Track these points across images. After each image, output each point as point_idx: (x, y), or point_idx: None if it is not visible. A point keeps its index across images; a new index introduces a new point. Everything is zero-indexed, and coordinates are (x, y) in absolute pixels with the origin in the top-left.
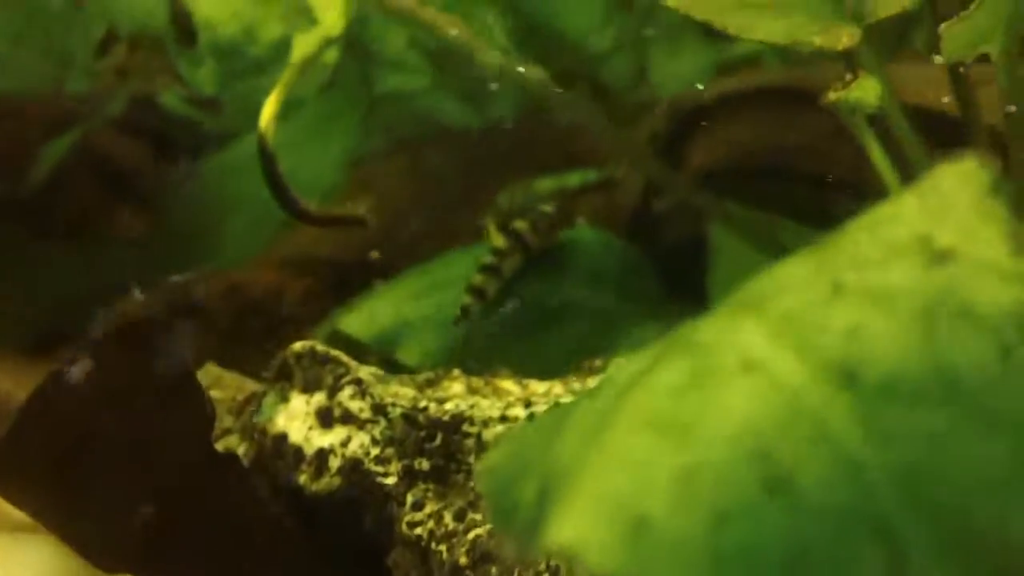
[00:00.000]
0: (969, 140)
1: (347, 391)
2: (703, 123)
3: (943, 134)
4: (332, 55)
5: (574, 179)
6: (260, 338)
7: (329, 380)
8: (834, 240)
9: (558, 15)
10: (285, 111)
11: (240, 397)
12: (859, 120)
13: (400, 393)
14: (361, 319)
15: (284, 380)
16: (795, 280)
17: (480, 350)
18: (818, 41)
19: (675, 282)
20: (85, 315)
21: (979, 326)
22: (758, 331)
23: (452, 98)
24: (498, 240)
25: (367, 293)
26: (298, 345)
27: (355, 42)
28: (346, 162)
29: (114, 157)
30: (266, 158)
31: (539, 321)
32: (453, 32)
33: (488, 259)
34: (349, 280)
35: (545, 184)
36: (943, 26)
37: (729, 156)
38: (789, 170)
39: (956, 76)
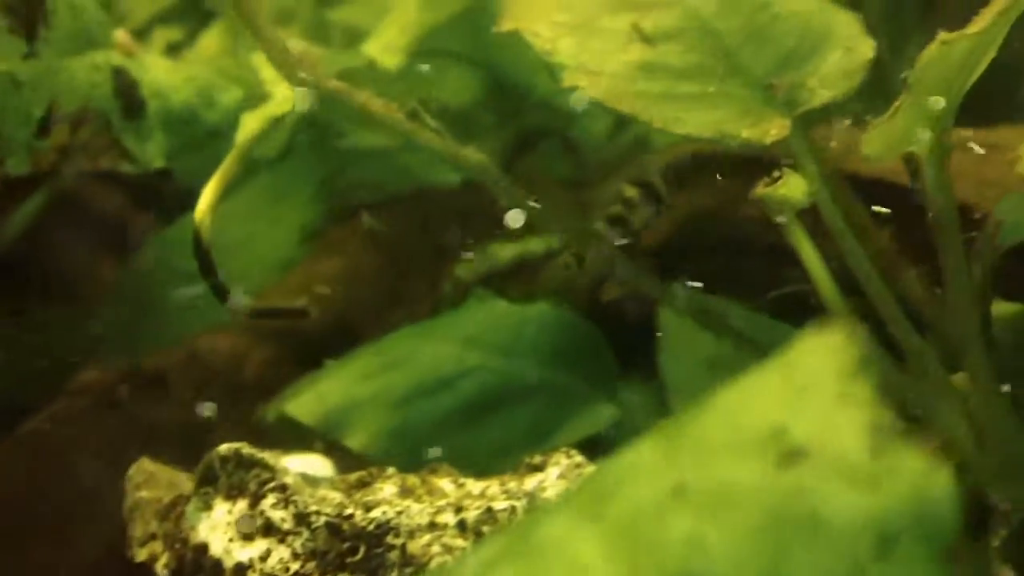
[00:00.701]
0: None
1: (270, 499)
2: (659, 191)
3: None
4: (285, 130)
5: (536, 244)
6: (221, 407)
7: (253, 486)
8: (688, 421)
9: (529, 72)
10: (242, 178)
11: (167, 499)
12: (789, 216)
13: (327, 499)
14: (308, 401)
15: (208, 485)
16: (641, 471)
17: (428, 434)
18: (745, 134)
19: (633, 358)
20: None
21: (829, 540)
22: (594, 539)
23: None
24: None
25: (317, 372)
26: (223, 448)
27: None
28: (304, 233)
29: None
30: (201, 254)
31: (491, 401)
32: (394, 117)
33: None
34: (311, 347)
35: (506, 249)
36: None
37: (683, 229)
38: (743, 243)
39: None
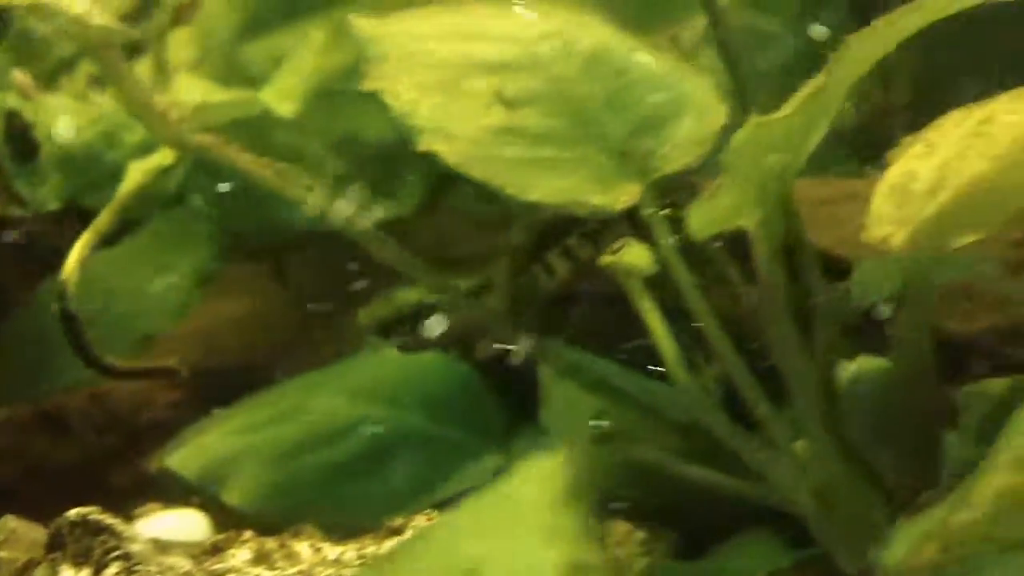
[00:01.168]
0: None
1: (113, 568)
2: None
3: None
4: (175, 176)
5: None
6: (123, 452)
7: (98, 554)
8: (404, 553)
9: None
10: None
11: (22, 560)
12: (635, 285)
13: (174, 567)
14: (189, 454)
15: (57, 551)
16: None
17: (310, 490)
18: (596, 201)
19: (524, 409)
20: None
21: None
22: None
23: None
24: None
25: (203, 423)
26: (72, 512)
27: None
28: (198, 278)
29: None
30: (66, 315)
31: (377, 454)
32: (263, 173)
33: None
34: (219, 390)
35: (410, 295)
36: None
37: (575, 278)
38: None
39: None
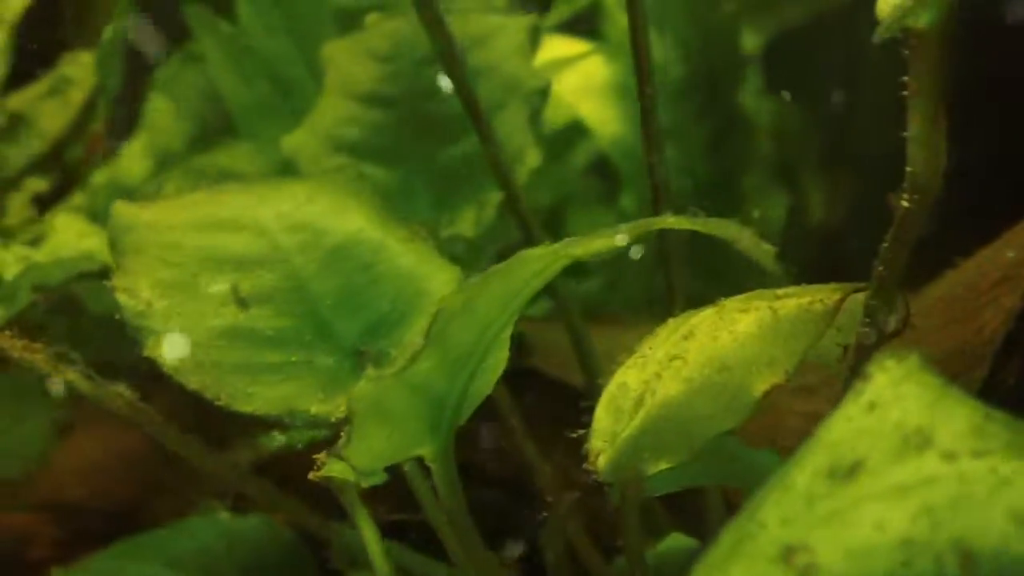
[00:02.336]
0: None
1: None
2: None
3: None
4: None
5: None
6: None
7: None
8: None
9: None
10: None
11: None
12: (349, 497)
13: None
14: None
15: None
16: None
17: None
18: (314, 410)
19: None
20: None
21: None
22: None
23: None
24: None
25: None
26: None
27: None
28: (55, 426)
29: None
30: None
31: None
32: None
33: None
34: (103, 527)
35: (274, 441)
36: None
37: None
38: None
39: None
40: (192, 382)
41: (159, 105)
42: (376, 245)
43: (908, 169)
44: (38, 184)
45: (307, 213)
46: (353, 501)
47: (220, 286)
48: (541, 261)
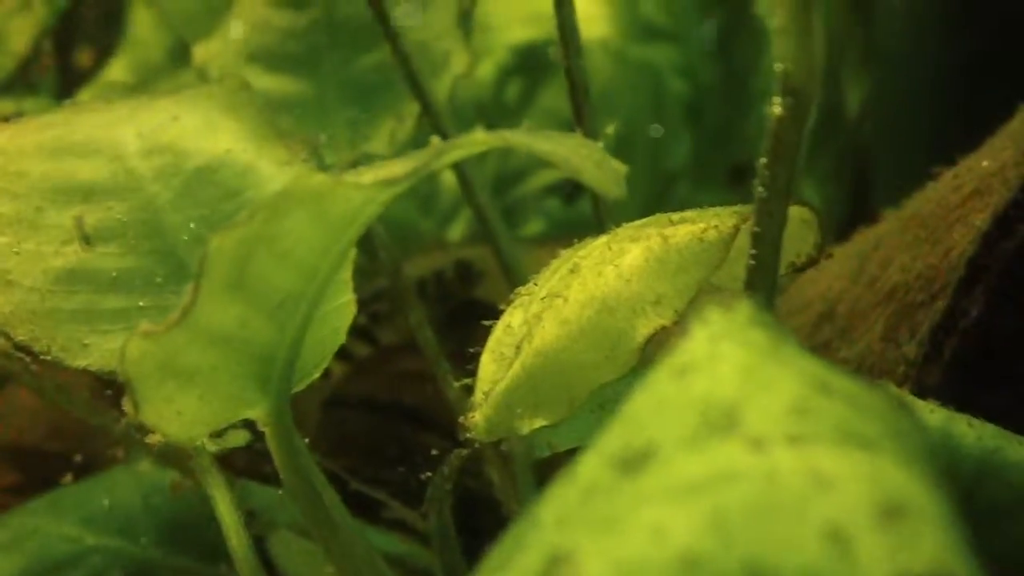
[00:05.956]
0: None
1: None
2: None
3: None
4: None
5: None
6: None
7: None
8: None
9: None
10: None
11: None
12: (202, 460)
13: None
14: None
15: None
16: None
17: None
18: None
19: None
20: None
21: None
22: None
23: None
24: None
25: None
26: None
27: None
28: None
29: None
30: None
31: None
32: None
33: None
34: (57, 471)
35: None
36: None
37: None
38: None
39: None
40: (20, 332)
41: (140, 17)
42: (245, 168)
43: (778, 67)
44: (6, 107)
45: (170, 133)
46: (205, 466)
47: (65, 220)
48: (360, 194)
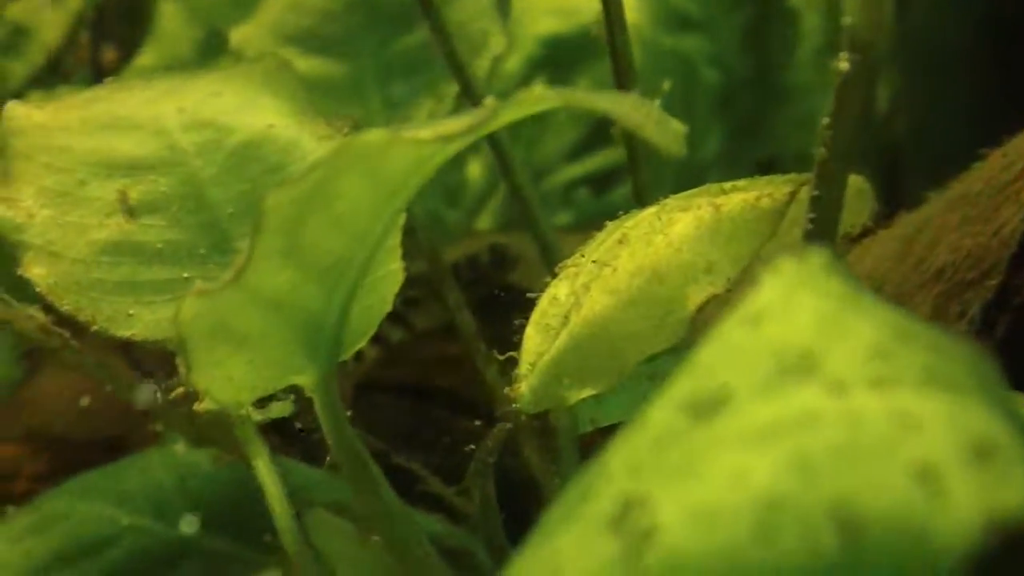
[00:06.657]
0: None
1: None
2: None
3: None
4: None
5: None
6: None
7: None
8: None
9: None
10: None
11: None
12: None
13: None
14: None
15: None
16: None
17: None
18: None
19: None
20: None
21: None
22: None
23: None
24: None
25: None
26: None
27: None
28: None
29: None
30: None
31: (139, 569)
32: None
33: None
34: (85, 461)
35: None
36: None
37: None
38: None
39: None
40: (65, 302)
41: (167, 10)
42: (287, 144)
43: (844, 21)
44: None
45: (212, 108)
46: (249, 435)
47: (107, 193)
48: (414, 149)
